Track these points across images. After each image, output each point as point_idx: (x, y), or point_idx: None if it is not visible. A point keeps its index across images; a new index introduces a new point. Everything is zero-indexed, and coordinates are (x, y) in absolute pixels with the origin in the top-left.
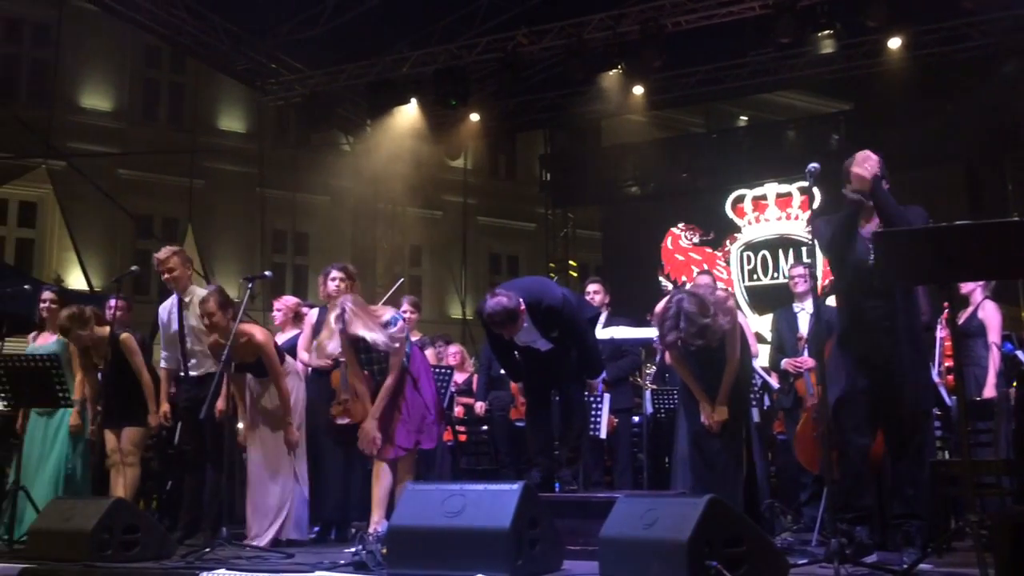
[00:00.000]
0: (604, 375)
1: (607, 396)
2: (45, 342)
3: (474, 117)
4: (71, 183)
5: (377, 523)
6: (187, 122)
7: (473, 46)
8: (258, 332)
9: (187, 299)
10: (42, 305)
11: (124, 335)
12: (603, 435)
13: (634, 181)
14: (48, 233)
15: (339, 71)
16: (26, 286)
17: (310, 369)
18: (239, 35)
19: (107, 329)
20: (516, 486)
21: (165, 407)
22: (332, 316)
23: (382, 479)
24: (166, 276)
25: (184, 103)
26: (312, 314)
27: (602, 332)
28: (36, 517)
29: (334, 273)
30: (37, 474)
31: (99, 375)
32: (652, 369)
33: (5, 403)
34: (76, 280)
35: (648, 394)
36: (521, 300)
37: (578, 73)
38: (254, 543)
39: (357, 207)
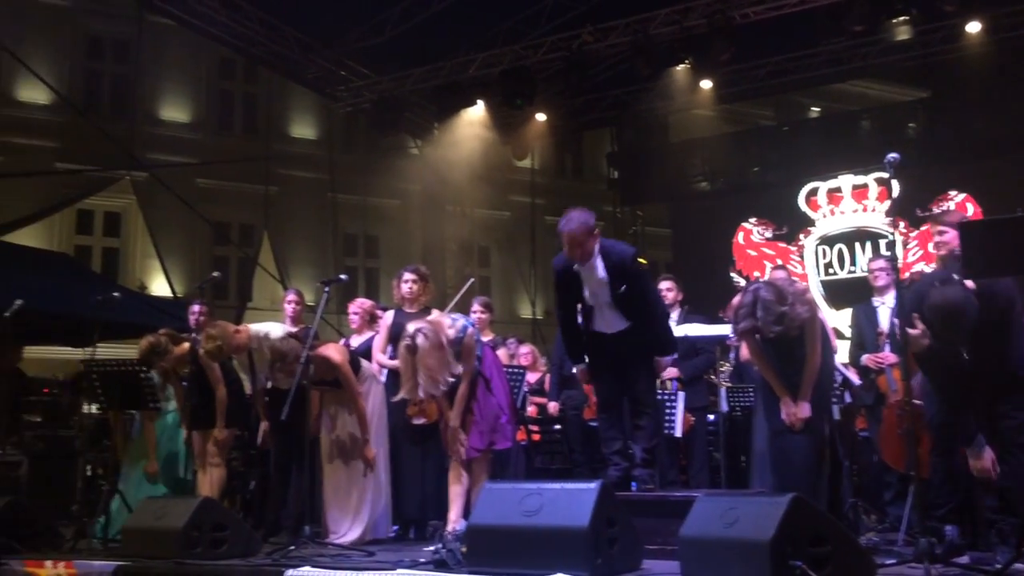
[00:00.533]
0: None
1: (682, 394)
2: None
3: (540, 117)
4: (153, 193)
5: (455, 522)
6: (261, 131)
7: (538, 46)
8: (334, 353)
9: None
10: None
11: (202, 351)
12: (679, 434)
13: (703, 176)
14: (132, 242)
15: (406, 76)
16: (115, 293)
17: (385, 371)
18: (309, 44)
19: (186, 345)
20: (594, 485)
21: (266, 425)
22: (403, 344)
23: (459, 479)
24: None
25: (257, 112)
26: (387, 316)
27: (677, 330)
28: (129, 516)
29: (407, 275)
30: (131, 475)
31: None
32: (727, 367)
33: (99, 406)
34: (159, 287)
35: (723, 392)
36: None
37: (645, 69)
38: (336, 542)
39: (426, 209)
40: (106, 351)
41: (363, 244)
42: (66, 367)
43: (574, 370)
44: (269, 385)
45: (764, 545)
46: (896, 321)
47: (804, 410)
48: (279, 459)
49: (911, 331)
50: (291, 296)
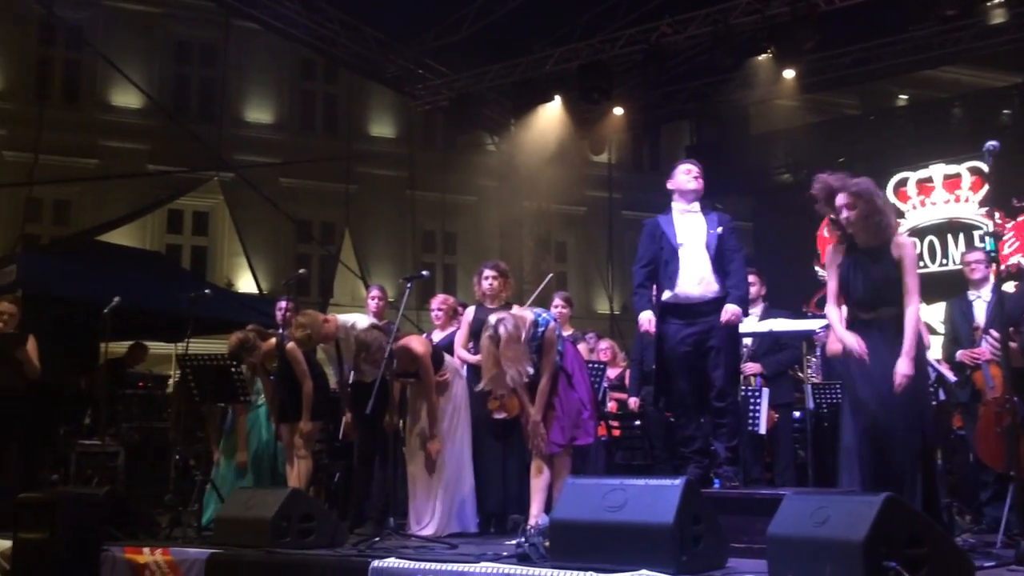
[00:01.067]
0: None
1: (765, 391)
2: None
3: (617, 111)
4: (239, 193)
5: (536, 516)
6: (341, 130)
7: (616, 39)
8: (417, 344)
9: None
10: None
11: (290, 345)
12: (763, 431)
13: (786, 168)
14: (219, 240)
15: (484, 73)
16: (206, 291)
17: (466, 365)
18: (388, 43)
19: (273, 341)
20: (678, 481)
21: (348, 416)
22: (486, 335)
23: (540, 474)
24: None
25: (338, 112)
26: (468, 312)
27: (759, 325)
28: (221, 506)
29: (487, 272)
30: (223, 466)
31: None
32: (813, 362)
33: (192, 398)
34: (244, 283)
35: (809, 388)
36: None
37: (725, 60)
38: (418, 533)
39: (503, 205)
40: (196, 346)
41: (441, 240)
42: (159, 362)
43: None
44: (352, 379)
45: (857, 545)
46: (993, 333)
47: (906, 366)
48: (363, 451)
49: (1013, 345)
50: (374, 292)
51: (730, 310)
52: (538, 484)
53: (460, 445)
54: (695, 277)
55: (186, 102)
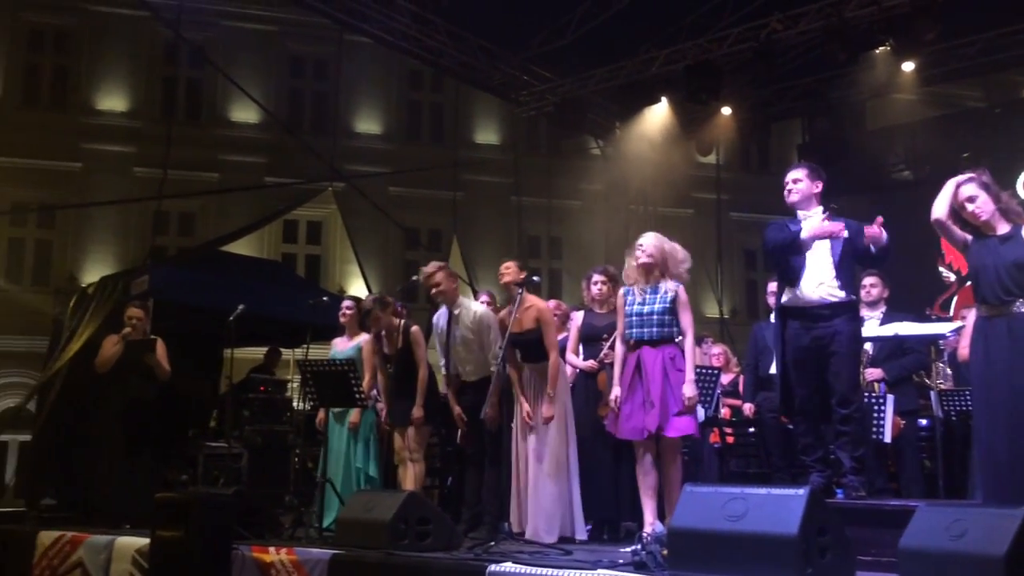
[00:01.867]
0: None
1: (890, 397)
2: (344, 347)
3: (726, 111)
4: (351, 201)
5: (651, 523)
6: (447, 138)
7: (724, 38)
8: (541, 303)
9: (456, 311)
10: (343, 312)
11: (415, 327)
12: (888, 439)
13: (905, 165)
14: (331, 248)
15: (589, 77)
16: (324, 298)
17: (577, 371)
18: (494, 51)
19: (400, 321)
20: (802, 491)
21: (458, 409)
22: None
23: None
24: (433, 291)
25: (444, 120)
26: (577, 317)
27: (882, 329)
28: (341, 507)
29: (596, 277)
30: (336, 467)
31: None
32: (942, 368)
33: (311, 403)
34: (355, 290)
35: (935, 395)
36: None
37: (840, 54)
38: (530, 538)
39: (608, 209)
40: (314, 352)
41: (547, 245)
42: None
43: (771, 371)
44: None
45: (998, 560)
46: None
47: None
48: (474, 455)
49: None
50: (484, 297)
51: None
52: (647, 482)
53: (566, 449)
54: (814, 281)
55: (300, 115)
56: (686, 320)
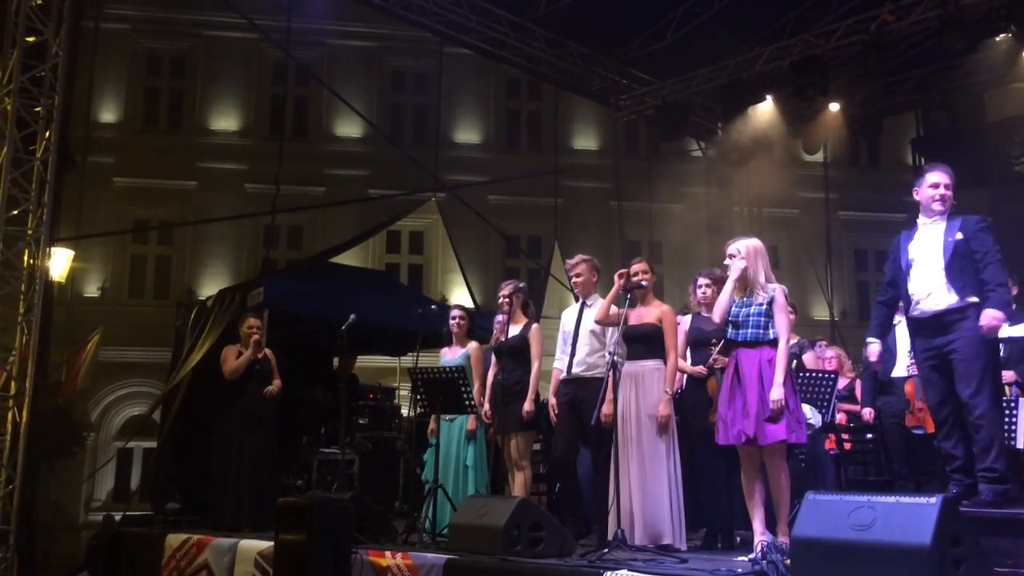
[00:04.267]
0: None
1: (1023, 401)
2: (454, 355)
3: (834, 106)
4: (453, 211)
5: (761, 533)
6: (546, 145)
7: (831, 32)
8: (667, 306)
9: (589, 303)
10: (452, 321)
11: (535, 324)
12: (1020, 445)
13: None
14: (433, 257)
15: (690, 78)
16: (433, 307)
17: (686, 376)
18: (592, 57)
19: (525, 318)
20: (935, 499)
21: (552, 401)
22: None
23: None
24: (574, 280)
25: (542, 127)
26: (685, 321)
27: (1011, 330)
28: (453, 512)
29: (702, 280)
30: (447, 473)
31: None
32: None
33: (421, 409)
34: (458, 298)
35: None
36: None
37: (957, 44)
38: (637, 544)
39: (711, 211)
40: (422, 360)
41: (648, 249)
42: (384, 375)
43: (893, 375)
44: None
45: None
46: None
47: None
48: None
49: None
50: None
51: (988, 315)
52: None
53: (671, 454)
54: (924, 291)
55: (402, 128)
56: (780, 323)
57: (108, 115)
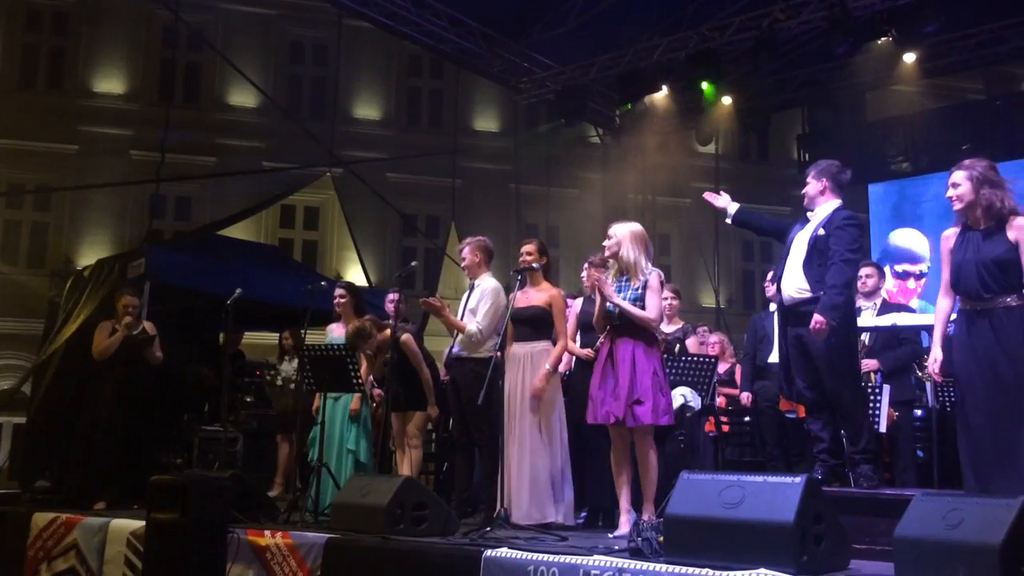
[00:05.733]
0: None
1: (886, 388)
2: (340, 333)
3: (726, 100)
4: (349, 188)
5: (626, 510)
6: (446, 125)
7: (725, 27)
8: (557, 291)
9: (477, 283)
10: (336, 300)
11: (404, 337)
12: (883, 429)
13: (904, 157)
14: (328, 234)
15: (589, 64)
16: (323, 283)
17: (574, 359)
18: (494, 38)
19: (388, 332)
20: (799, 479)
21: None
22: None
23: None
24: (462, 263)
25: (443, 107)
26: (575, 305)
27: (878, 320)
28: (336, 492)
29: (586, 264)
30: (331, 452)
31: (384, 365)
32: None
33: (308, 387)
34: (352, 276)
35: (929, 386)
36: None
37: (842, 45)
38: (521, 523)
39: (607, 197)
40: (311, 337)
41: (545, 233)
42: (271, 351)
43: (769, 360)
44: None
45: (993, 550)
46: None
47: None
48: (464, 440)
49: None
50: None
51: (813, 317)
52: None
53: (553, 432)
54: (787, 280)
55: (299, 100)
56: (651, 303)
57: None
